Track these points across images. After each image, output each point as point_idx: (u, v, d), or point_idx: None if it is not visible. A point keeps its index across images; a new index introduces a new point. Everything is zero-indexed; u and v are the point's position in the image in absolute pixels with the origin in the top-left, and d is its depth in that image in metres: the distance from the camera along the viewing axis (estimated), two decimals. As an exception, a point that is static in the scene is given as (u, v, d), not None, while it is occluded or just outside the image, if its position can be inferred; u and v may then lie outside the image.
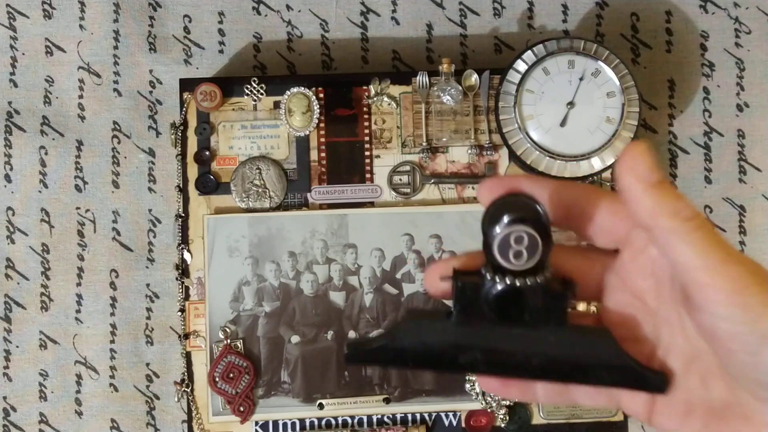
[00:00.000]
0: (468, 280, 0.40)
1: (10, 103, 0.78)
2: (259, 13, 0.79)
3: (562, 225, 0.41)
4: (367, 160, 0.74)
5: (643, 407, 0.41)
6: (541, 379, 0.41)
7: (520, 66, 0.71)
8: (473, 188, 0.75)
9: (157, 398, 0.76)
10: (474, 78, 0.74)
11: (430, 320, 0.42)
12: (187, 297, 0.73)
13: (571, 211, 0.41)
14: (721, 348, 0.36)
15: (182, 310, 0.73)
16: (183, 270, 0.73)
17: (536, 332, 0.40)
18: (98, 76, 0.78)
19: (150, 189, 0.77)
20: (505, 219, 0.39)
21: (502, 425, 0.72)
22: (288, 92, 0.73)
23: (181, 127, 0.74)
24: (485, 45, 0.79)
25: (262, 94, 0.74)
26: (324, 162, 0.74)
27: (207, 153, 0.74)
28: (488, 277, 0.39)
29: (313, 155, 0.74)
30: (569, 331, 0.40)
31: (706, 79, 0.79)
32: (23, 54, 0.78)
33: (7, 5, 0.78)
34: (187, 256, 0.73)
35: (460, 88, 0.73)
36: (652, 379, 0.40)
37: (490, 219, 0.40)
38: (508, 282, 0.39)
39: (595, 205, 0.40)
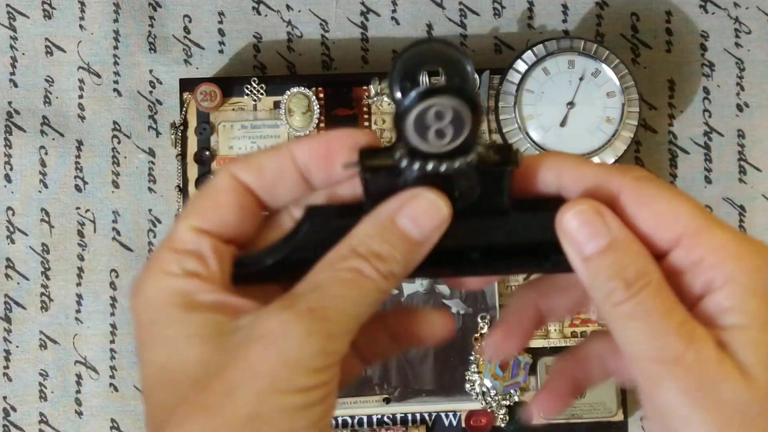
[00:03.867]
0: (379, 166, 0.31)
1: (10, 103, 0.78)
2: (259, 13, 0.79)
3: None
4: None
5: None
6: (481, 275, 0.34)
7: (520, 66, 0.71)
8: (473, 188, 0.74)
9: (157, 398, 0.76)
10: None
11: (337, 219, 0.32)
12: (187, 297, 0.73)
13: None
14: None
15: (182, 310, 0.73)
16: (183, 270, 0.73)
17: (472, 221, 0.32)
18: (98, 76, 0.78)
19: (150, 189, 0.77)
20: (417, 89, 0.29)
21: (502, 425, 0.72)
22: (288, 92, 0.73)
23: (181, 127, 0.74)
24: (485, 45, 0.79)
25: (262, 94, 0.74)
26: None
27: (207, 153, 0.74)
28: (404, 163, 0.30)
29: (313, 155, 0.74)
30: (512, 215, 0.32)
31: (706, 79, 0.79)
32: (23, 54, 0.78)
33: (7, 5, 0.78)
34: (187, 256, 0.73)
35: (460, 88, 0.73)
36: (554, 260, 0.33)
37: (397, 82, 0.30)
38: (429, 169, 0.30)
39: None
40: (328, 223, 0.32)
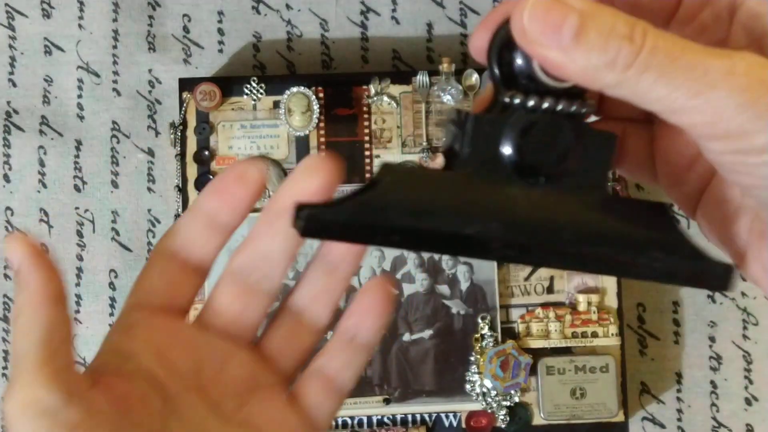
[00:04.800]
0: (475, 121, 0.28)
1: (8, 102, 0.77)
2: (258, 12, 0.79)
3: None
4: (367, 160, 0.74)
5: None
6: (567, 263, 0.29)
7: (521, 65, 0.71)
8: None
9: (157, 399, 0.76)
10: (474, 78, 0.73)
11: (418, 178, 0.29)
12: (186, 297, 0.73)
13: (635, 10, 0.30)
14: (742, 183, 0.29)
15: (181, 311, 0.73)
16: (182, 270, 0.73)
17: (571, 195, 0.28)
18: (97, 75, 0.78)
19: (149, 189, 0.77)
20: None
21: (503, 426, 0.72)
22: (288, 92, 0.73)
23: (181, 127, 0.74)
24: (485, 44, 0.79)
25: (261, 93, 0.74)
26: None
27: (206, 153, 0.74)
28: (517, 100, 0.28)
29: (313, 151, 0.74)
30: (614, 199, 0.29)
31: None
32: (22, 53, 0.78)
33: (6, 4, 0.78)
34: (186, 256, 0.73)
35: (461, 87, 0.73)
36: (717, 271, 0.29)
37: (505, 39, 0.28)
38: (547, 105, 0.28)
39: None
40: (414, 172, 0.29)
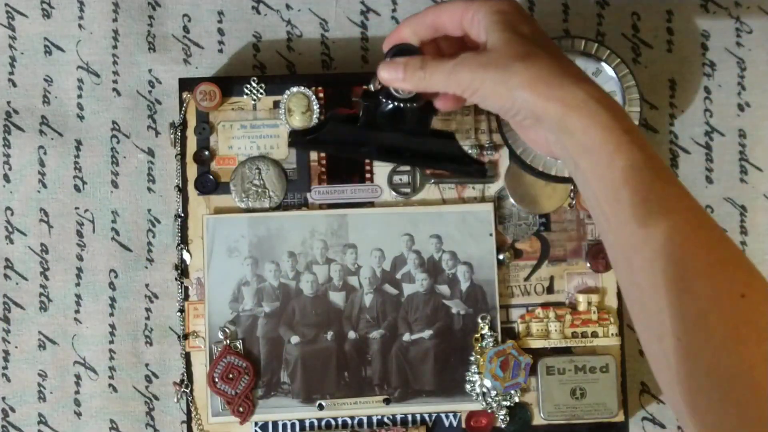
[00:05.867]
0: (372, 101, 0.62)
1: (8, 102, 0.77)
2: (258, 12, 0.79)
3: (432, 42, 0.61)
4: (367, 160, 0.74)
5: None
6: (410, 165, 0.72)
7: (521, 65, 0.71)
8: (474, 188, 0.74)
9: (157, 399, 0.76)
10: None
11: (345, 124, 0.64)
12: (186, 297, 0.73)
13: (436, 32, 0.60)
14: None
15: (181, 311, 0.73)
16: (182, 270, 0.73)
17: (410, 137, 0.63)
18: (97, 75, 0.78)
19: (149, 189, 0.77)
20: (390, 56, 0.59)
21: (503, 426, 0.72)
22: (287, 92, 0.73)
23: (181, 127, 0.74)
24: (485, 44, 0.79)
25: (261, 93, 0.74)
26: (324, 162, 0.74)
27: (206, 153, 0.74)
28: (384, 101, 0.61)
29: (313, 155, 0.74)
30: (430, 137, 0.64)
31: (707, 79, 0.79)
32: (22, 53, 0.78)
33: (6, 4, 0.78)
34: (186, 256, 0.73)
35: (461, 87, 0.73)
36: (478, 169, 0.66)
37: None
38: (395, 104, 0.61)
39: (441, 19, 0.59)
40: (338, 126, 0.64)
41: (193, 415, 0.72)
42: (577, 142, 0.51)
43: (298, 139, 0.66)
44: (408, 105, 0.60)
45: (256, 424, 0.72)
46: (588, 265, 0.74)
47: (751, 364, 0.44)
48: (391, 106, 0.60)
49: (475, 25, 0.57)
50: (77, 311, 0.76)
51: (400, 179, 0.74)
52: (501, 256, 0.73)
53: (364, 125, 0.63)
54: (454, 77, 0.55)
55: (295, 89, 0.73)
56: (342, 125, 0.64)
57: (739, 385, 0.44)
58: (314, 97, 0.73)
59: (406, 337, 0.73)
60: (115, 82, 0.78)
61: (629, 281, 0.50)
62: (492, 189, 0.74)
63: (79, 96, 0.78)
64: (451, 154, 0.65)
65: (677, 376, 0.46)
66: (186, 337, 0.73)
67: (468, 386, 0.72)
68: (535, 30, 0.56)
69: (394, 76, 0.57)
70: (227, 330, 0.72)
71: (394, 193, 0.74)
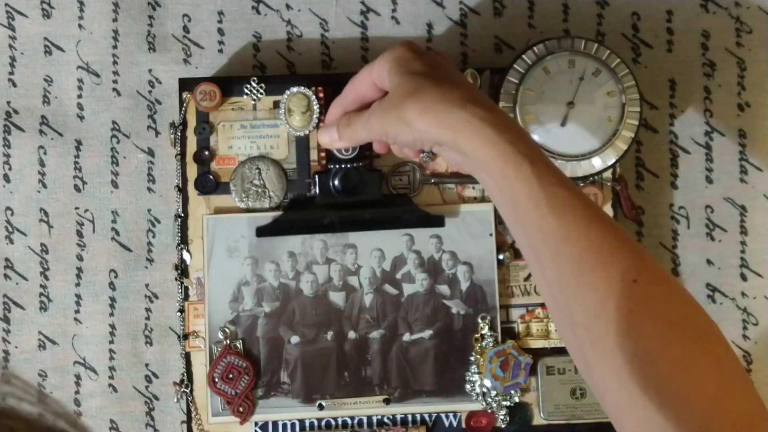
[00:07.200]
0: (323, 174, 0.71)
1: (8, 102, 0.77)
2: (258, 12, 0.79)
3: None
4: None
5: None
6: (371, 229, 0.72)
7: (521, 65, 0.71)
8: (473, 188, 0.74)
9: (157, 399, 0.76)
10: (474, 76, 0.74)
11: (302, 206, 0.72)
12: (186, 297, 0.73)
13: (362, 101, 0.66)
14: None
15: (181, 311, 0.73)
16: (182, 270, 0.73)
17: (366, 202, 0.70)
18: (97, 75, 0.78)
19: (149, 189, 0.77)
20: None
21: (503, 426, 0.72)
22: (288, 92, 0.73)
23: (181, 127, 0.74)
24: (485, 44, 0.79)
25: (261, 93, 0.74)
26: (324, 162, 0.74)
27: (206, 153, 0.74)
28: (333, 168, 0.70)
29: (313, 155, 0.74)
30: (384, 200, 0.71)
31: (707, 79, 0.79)
32: (22, 53, 0.78)
33: (6, 4, 0.78)
34: (186, 256, 0.73)
35: (461, 87, 0.73)
36: (435, 219, 0.72)
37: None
38: (343, 167, 0.70)
39: (359, 90, 0.65)
40: (297, 208, 0.72)
41: (193, 415, 0.72)
42: (473, 161, 0.56)
43: (264, 230, 0.71)
44: (354, 165, 0.70)
45: (256, 424, 0.72)
46: (588, 265, 0.74)
47: (646, 344, 0.49)
48: (339, 170, 0.70)
49: (382, 78, 0.62)
50: (77, 311, 0.76)
51: (400, 179, 0.74)
52: (501, 256, 0.73)
53: (320, 201, 0.71)
54: (369, 125, 0.62)
55: (295, 89, 0.73)
56: (299, 208, 0.72)
57: (639, 364, 0.48)
58: (314, 97, 0.73)
59: (406, 337, 0.73)
60: (115, 82, 0.78)
61: (542, 280, 0.55)
62: (492, 189, 0.74)
63: (79, 96, 0.78)
64: (408, 213, 0.71)
65: (589, 362, 0.51)
66: (186, 337, 0.73)
67: (468, 386, 0.72)
68: (427, 64, 0.61)
69: (331, 137, 0.67)
70: (227, 330, 0.72)
71: (394, 193, 0.74)
